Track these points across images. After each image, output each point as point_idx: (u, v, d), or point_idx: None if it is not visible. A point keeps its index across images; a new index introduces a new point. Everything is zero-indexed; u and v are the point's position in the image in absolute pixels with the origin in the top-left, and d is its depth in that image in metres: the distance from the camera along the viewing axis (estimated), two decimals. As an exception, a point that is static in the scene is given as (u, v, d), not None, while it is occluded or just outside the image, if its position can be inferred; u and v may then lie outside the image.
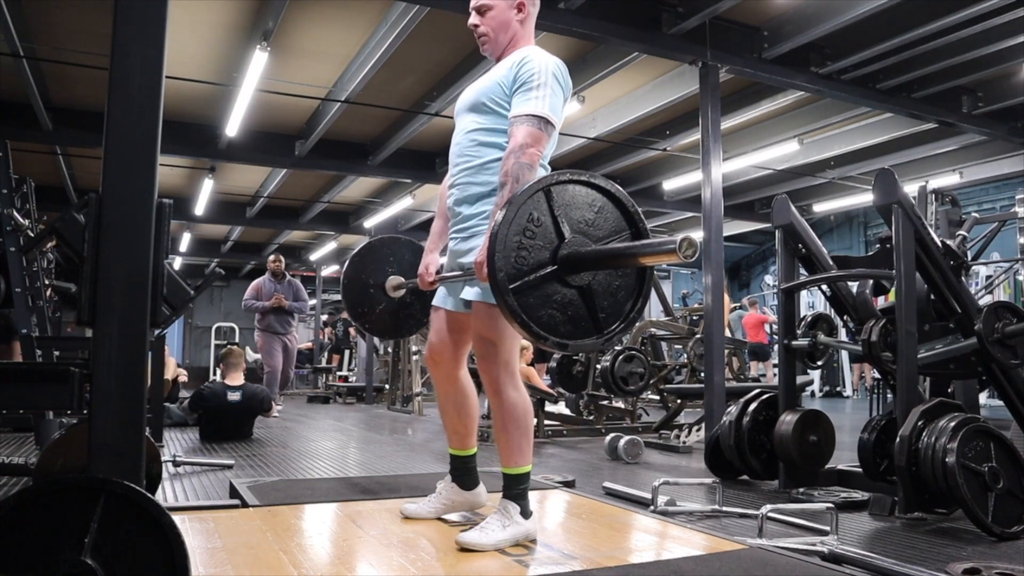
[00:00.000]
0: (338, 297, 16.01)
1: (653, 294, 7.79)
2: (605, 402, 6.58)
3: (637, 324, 6.93)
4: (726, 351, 6.01)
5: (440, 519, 2.48)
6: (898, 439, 3.06)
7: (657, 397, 6.92)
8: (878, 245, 3.75)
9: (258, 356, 8.28)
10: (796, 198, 9.50)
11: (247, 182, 10.59)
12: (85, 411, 1.63)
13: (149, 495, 1.45)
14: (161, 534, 1.42)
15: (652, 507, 3.12)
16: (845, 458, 4.16)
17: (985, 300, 5.97)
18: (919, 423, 3.05)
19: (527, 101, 2.12)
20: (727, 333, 7.08)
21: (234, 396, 5.81)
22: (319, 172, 9.76)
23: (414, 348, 8.69)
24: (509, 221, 1.77)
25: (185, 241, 14.21)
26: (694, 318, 7.14)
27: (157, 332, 5.46)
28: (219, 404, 5.76)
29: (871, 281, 3.89)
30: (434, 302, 2.47)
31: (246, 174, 10.14)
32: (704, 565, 2.03)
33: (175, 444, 5.38)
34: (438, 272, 2.45)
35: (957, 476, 2.81)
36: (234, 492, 2.97)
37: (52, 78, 6.85)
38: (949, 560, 2.43)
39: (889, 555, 2.42)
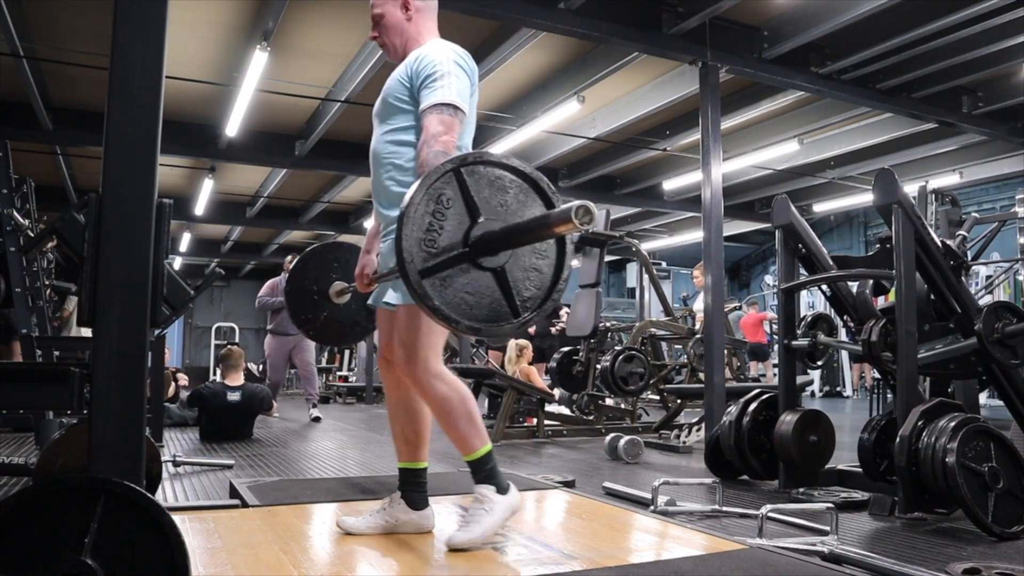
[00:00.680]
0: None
1: (653, 294, 7.85)
2: (609, 401, 6.58)
3: (637, 324, 6.94)
4: (726, 351, 6.01)
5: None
6: (898, 439, 3.06)
7: (657, 397, 6.93)
8: (878, 245, 3.75)
9: (258, 365, 8.14)
10: (796, 198, 9.49)
11: (247, 182, 10.59)
12: (85, 411, 1.64)
13: (149, 495, 1.45)
14: (161, 534, 1.42)
15: (652, 507, 3.12)
16: (845, 458, 4.15)
17: (985, 300, 5.97)
18: (919, 423, 3.05)
19: (433, 92, 2.10)
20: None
21: (234, 396, 5.81)
22: (319, 172, 9.75)
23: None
24: (417, 203, 1.70)
25: (185, 241, 14.21)
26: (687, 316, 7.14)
27: (157, 332, 5.46)
28: (219, 404, 5.76)
29: (871, 281, 3.89)
30: (369, 302, 2.44)
31: (246, 174, 10.14)
32: (704, 565, 2.03)
33: (175, 444, 5.38)
34: (374, 273, 2.40)
35: (957, 476, 2.80)
36: (234, 492, 2.98)
37: (52, 78, 6.85)
38: (949, 560, 2.43)
39: (889, 555, 2.42)
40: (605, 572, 1.95)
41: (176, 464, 4.11)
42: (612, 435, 5.02)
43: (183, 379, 8.17)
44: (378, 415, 8.57)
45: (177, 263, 16.25)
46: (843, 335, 4.65)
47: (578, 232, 1.65)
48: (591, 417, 6.47)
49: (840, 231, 14.87)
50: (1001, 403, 3.77)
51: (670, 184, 10.15)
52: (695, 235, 12.08)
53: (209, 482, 3.88)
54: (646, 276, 7.79)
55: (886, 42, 5.71)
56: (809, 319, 4.06)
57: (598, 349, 6.44)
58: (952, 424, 2.94)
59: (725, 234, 6.68)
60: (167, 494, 3.50)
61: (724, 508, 3.17)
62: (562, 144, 8.39)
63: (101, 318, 1.57)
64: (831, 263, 3.93)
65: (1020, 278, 9.68)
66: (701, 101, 5.61)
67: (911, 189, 4.18)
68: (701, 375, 5.97)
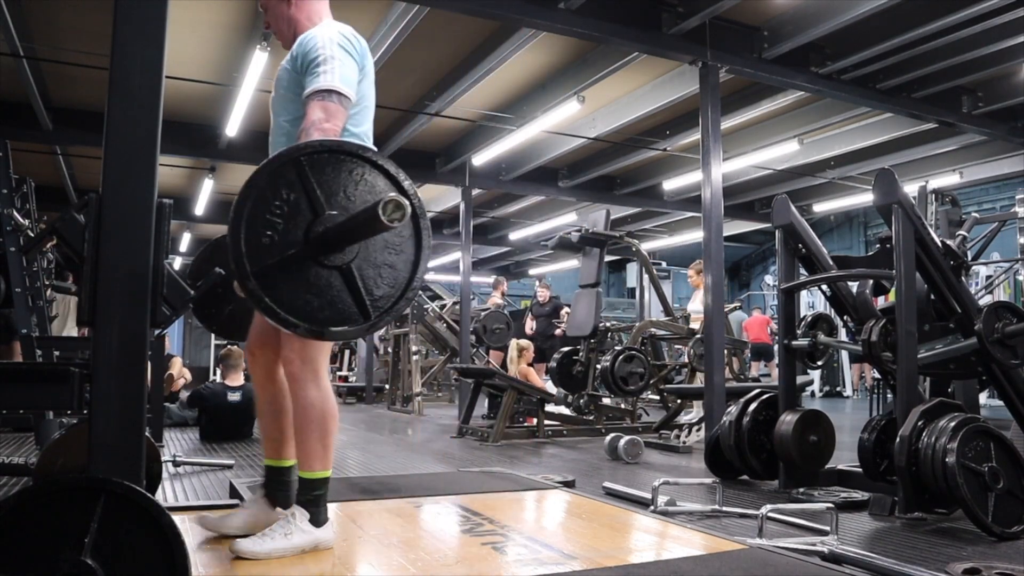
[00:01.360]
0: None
1: (653, 294, 7.84)
2: (607, 400, 6.57)
3: (637, 324, 6.94)
4: (726, 351, 6.00)
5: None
6: (898, 439, 3.06)
7: (657, 397, 6.92)
8: (878, 245, 3.75)
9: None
10: (796, 198, 9.49)
11: (247, 182, 10.57)
12: (85, 411, 1.63)
13: (149, 495, 1.45)
14: (161, 534, 1.42)
15: (652, 507, 3.12)
16: (845, 458, 4.15)
17: (985, 300, 5.97)
18: (919, 423, 3.05)
19: (315, 78, 2.03)
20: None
21: (234, 396, 5.82)
22: (319, 172, 9.73)
23: (414, 348, 8.69)
24: (249, 197, 1.58)
25: (185, 241, 14.20)
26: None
27: (157, 332, 5.45)
28: (219, 404, 5.77)
29: (871, 281, 3.89)
30: None
31: (246, 174, 9.99)
32: (704, 565, 2.03)
33: (175, 444, 5.38)
34: None
35: (957, 476, 2.80)
36: (234, 492, 2.98)
37: (52, 78, 6.84)
38: (949, 560, 2.43)
39: (889, 555, 2.43)
40: (605, 572, 1.95)
41: (176, 464, 4.11)
42: (612, 435, 5.02)
43: (187, 373, 8.12)
44: (378, 415, 8.57)
45: (177, 263, 16.24)
46: (843, 335, 4.65)
47: (387, 231, 1.52)
48: (591, 417, 6.47)
49: (840, 231, 14.87)
50: (1001, 403, 3.78)
51: (670, 184, 10.14)
52: (695, 235, 12.08)
53: (209, 482, 3.88)
54: (646, 276, 7.79)
55: (886, 42, 5.71)
56: (809, 319, 4.06)
57: (598, 349, 6.45)
58: (952, 424, 2.94)
59: (725, 234, 6.68)
60: (167, 494, 3.50)
61: (724, 508, 3.18)
62: (562, 144, 8.38)
63: (101, 318, 1.57)
64: (831, 263, 3.93)
65: (1020, 278, 9.68)
66: (701, 101, 5.61)
67: (911, 189, 4.18)
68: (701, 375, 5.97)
